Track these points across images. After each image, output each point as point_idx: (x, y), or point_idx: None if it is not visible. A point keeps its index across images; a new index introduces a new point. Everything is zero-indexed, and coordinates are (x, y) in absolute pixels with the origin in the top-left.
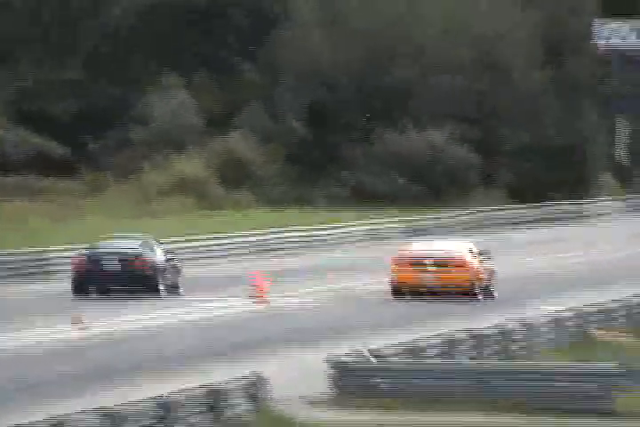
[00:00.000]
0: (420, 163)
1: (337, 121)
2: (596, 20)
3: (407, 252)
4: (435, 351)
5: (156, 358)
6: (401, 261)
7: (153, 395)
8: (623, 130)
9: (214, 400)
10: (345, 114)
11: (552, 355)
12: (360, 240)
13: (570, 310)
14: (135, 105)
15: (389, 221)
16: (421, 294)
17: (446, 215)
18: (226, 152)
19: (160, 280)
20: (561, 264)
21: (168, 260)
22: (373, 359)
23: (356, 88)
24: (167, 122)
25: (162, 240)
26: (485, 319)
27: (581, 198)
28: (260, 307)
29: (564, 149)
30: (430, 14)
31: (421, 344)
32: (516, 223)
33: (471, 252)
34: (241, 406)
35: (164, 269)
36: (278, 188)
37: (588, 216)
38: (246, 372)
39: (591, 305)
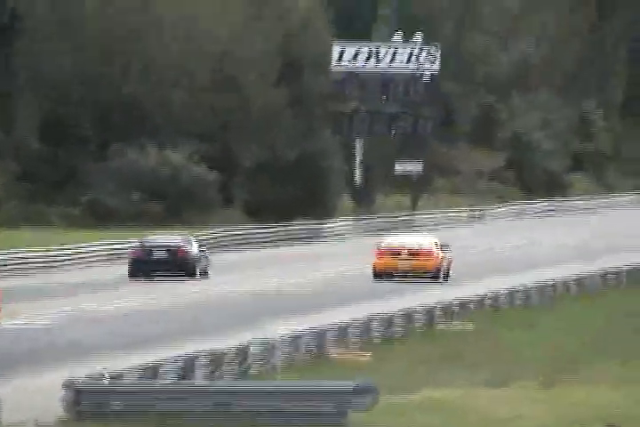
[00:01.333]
0: (157, 181)
1: (72, 136)
2: (332, 41)
3: (387, 245)
4: (173, 372)
5: None
6: (382, 252)
7: None
8: (360, 151)
9: None
10: (81, 129)
11: (288, 374)
12: (96, 260)
13: (308, 329)
14: None
15: (125, 241)
16: (395, 276)
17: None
18: None
19: (196, 267)
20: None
21: (201, 252)
22: (108, 381)
23: (92, 102)
24: None
25: None
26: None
27: (318, 219)
28: None
29: (299, 168)
30: (167, 28)
31: (161, 366)
32: (249, 243)
33: (436, 245)
34: None
35: (199, 259)
36: (9, 206)
37: (323, 237)
38: None
39: (330, 325)
